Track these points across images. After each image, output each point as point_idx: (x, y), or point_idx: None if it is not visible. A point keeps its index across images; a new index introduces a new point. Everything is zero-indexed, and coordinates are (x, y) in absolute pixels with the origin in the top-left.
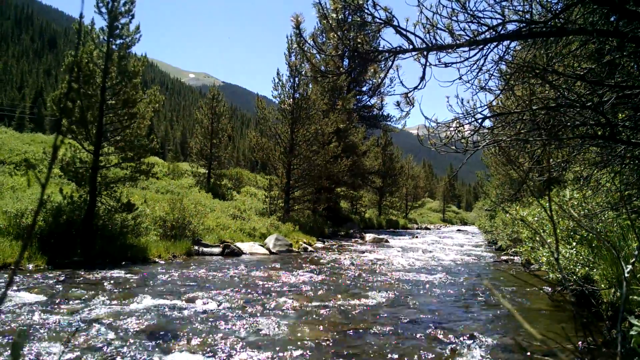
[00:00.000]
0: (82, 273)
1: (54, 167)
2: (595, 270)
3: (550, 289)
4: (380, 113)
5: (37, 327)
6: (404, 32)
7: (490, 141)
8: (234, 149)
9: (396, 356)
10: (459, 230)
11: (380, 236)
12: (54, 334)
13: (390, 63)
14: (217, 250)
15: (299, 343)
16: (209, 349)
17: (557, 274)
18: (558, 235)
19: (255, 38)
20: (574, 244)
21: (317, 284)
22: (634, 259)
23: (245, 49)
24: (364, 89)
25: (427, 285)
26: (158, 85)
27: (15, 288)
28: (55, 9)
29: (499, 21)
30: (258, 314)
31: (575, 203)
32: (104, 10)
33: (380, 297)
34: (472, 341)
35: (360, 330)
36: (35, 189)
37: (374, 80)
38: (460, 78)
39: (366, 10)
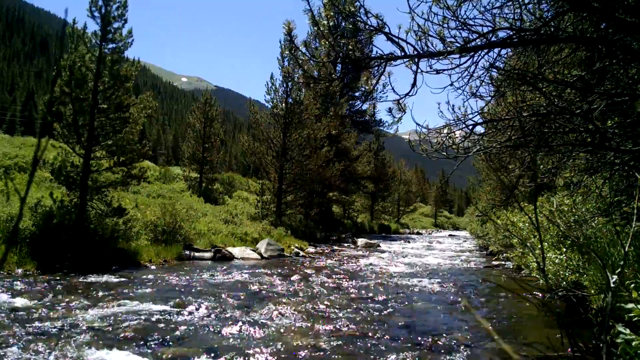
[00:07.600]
0: (72, 278)
1: (44, 171)
2: (585, 276)
3: (540, 295)
4: (373, 118)
5: (24, 332)
6: (396, 39)
7: (480, 148)
8: (226, 153)
9: None
10: (450, 235)
11: (372, 241)
12: (40, 340)
13: (382, 70)
14: (208, 255)
15: (288, 349)
16: (197, 356)
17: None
18: (544, 246)
19: (248, 42)
20: (564, 249)
21: (308, 289)
22: (619, 269)
23: (239, 53)
24: (357, 94)
25: (418, 291)
26: (151, 91)
27: (4, 293)
28: (47, 12)
29: (490, 28)
30: (248, 320)
31: (566, 209)
32: (96, 14)
33: (370, 303)
34: (457, 348)
35: (350, 336)
36: (31, 192)
37: (366, 87)
38: (451, 84)
39: (358, 18)
